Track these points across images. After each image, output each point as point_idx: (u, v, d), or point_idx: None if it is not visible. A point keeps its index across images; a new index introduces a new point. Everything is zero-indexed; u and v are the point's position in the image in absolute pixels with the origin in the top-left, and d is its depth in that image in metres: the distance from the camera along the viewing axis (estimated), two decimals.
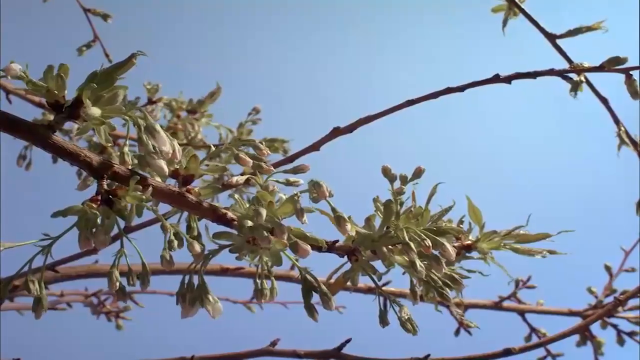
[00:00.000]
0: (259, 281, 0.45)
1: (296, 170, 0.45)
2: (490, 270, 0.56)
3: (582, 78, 0.71)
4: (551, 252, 0.53)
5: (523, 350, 0.58)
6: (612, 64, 0.60)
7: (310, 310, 0.45)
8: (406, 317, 0.45)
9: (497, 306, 0.94)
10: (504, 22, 0.84)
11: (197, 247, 0.41)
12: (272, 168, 0.45)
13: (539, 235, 0.56)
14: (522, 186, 1.48)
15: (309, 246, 0.42)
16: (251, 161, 0.44)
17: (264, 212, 0.40)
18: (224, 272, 0.77)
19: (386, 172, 0.48)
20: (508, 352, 0.58)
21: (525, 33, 0.76)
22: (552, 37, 0.77)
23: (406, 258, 0.44)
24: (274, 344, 0.60)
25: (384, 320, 0.46)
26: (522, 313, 0.96)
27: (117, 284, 0.41)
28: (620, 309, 1.02)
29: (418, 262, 0.42)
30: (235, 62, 1.43)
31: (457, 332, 0.92)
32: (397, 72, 1.45)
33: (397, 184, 0.48)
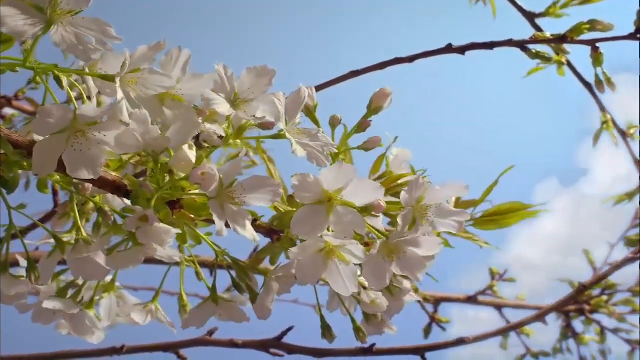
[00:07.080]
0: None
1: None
2: (473, 266, 0.52)
3: (564, 60, 0.67)
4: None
5: (478, 339, 0.54)
6: (575, 34, 0.55)
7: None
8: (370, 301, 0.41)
9: (471, 300, 0.90)
10: None
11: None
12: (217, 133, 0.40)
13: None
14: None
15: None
16: None
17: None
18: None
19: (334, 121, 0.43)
20: (461, 341, 0.54)
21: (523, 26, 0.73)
22: (530, 16, 0.73)
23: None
24: (211, 333, 0.56)
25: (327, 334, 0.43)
26: (498, 307, 0.92)
27: None
28: (612, 308, 0.98)
29: None
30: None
31: (427, 331, 0.87)
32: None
33: None
